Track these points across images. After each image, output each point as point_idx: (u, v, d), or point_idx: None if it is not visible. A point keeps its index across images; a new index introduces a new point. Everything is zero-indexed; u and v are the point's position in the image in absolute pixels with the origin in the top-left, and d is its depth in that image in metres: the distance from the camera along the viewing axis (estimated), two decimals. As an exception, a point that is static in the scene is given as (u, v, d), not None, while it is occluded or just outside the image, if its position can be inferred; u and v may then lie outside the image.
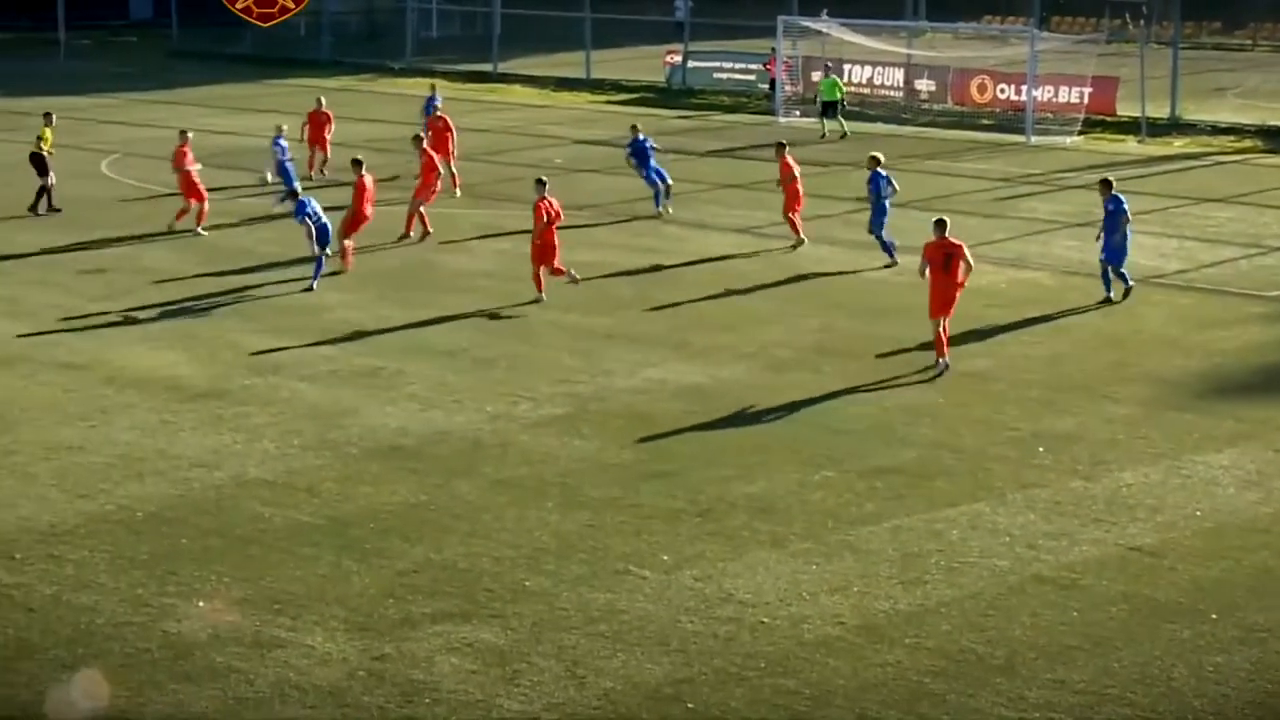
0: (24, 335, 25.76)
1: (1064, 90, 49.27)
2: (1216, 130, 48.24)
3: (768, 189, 35.47)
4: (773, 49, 52.80)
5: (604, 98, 56.25)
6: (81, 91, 55.80)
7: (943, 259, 24.12)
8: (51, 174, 35.44)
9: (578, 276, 28.05)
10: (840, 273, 30.36)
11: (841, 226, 33.94)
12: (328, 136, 39.52)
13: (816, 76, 52.03)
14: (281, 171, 35.80)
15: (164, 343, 25.38)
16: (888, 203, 30.56)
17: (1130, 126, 48.03)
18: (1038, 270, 30.65)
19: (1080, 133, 47.34)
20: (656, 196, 35.40)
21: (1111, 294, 28.05)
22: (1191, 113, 49.57)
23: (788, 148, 33.13)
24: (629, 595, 16.30)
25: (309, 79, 59.34)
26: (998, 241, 33.16)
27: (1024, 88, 48.93)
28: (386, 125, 48.27)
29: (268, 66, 63.15)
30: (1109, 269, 28.07)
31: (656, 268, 30.75)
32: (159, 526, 18.03)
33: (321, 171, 39.00)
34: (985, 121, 50.04)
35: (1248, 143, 46.63)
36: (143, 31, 75.13)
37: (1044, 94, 48.92)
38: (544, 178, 28.50)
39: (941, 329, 24.11)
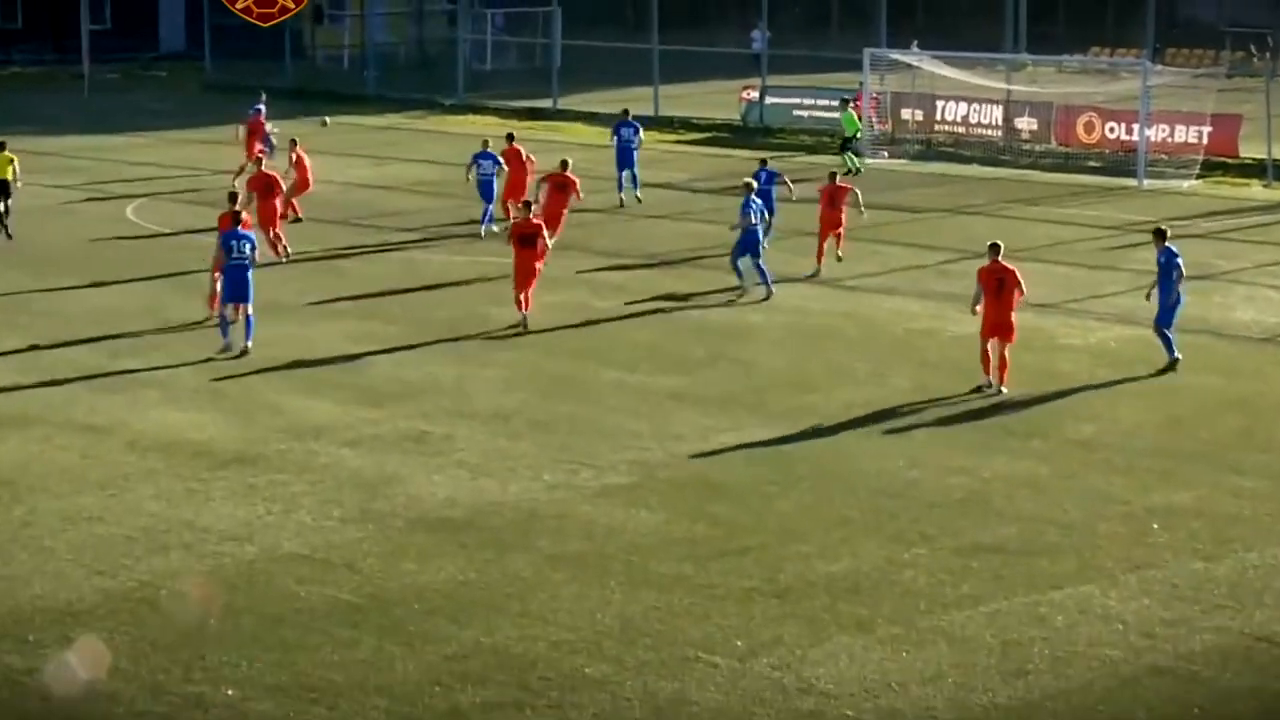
0: (41, 391, 25.92)
1: (1180, 129, 49.04)
2: (1351, 173, 47.86)
3: (853, 236, 35.50)
4: (860, 84, 52.78)
5: (673, 137, 56.35)
6: (107, 129, 56.36)
7: (995, 284, 26.14)
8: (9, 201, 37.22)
9: (527, 326, 29.43)
10: (933, 329, 30.24)
11: (935, 278, 33.86)
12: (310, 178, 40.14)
13: (914, 114, 52.13)
14: (481, 188, 37.86)
15: (192, 402, 25.49)
16: (759, 230, 32.24)
17: (1255, 169, 47.70)
18: (1149, 327, 30.37)
19: (1198, 176, 47.04)
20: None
21: (1176, 354, 27.51)
22: (1323, 154, 49.19)
23: (838, 176, 35.81)
24: (699, 685, 16.19)
25: (353, 115, 59.77)
26: (1106, 295, 32.97)
27: (1135, 126, 48.70)
28: (436, 167, 48.55)
29: (308, 101, 63.50)
30: (1163, 331, 27.56)
31: (729, 321, 30.71)
32: (185, 605, 18.03)
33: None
34: (1093, 163, 49.87)
35: (1385, 187, 46.26)
36: (174, 64, 75.85)
37: (1158, 133, 48.68)
38: (530, 200, 31.92)
39: (994, 351, 25.95)
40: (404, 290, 33.00)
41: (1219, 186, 46.53)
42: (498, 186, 38.15)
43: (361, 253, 36.78)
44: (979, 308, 26.28)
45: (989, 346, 26.13)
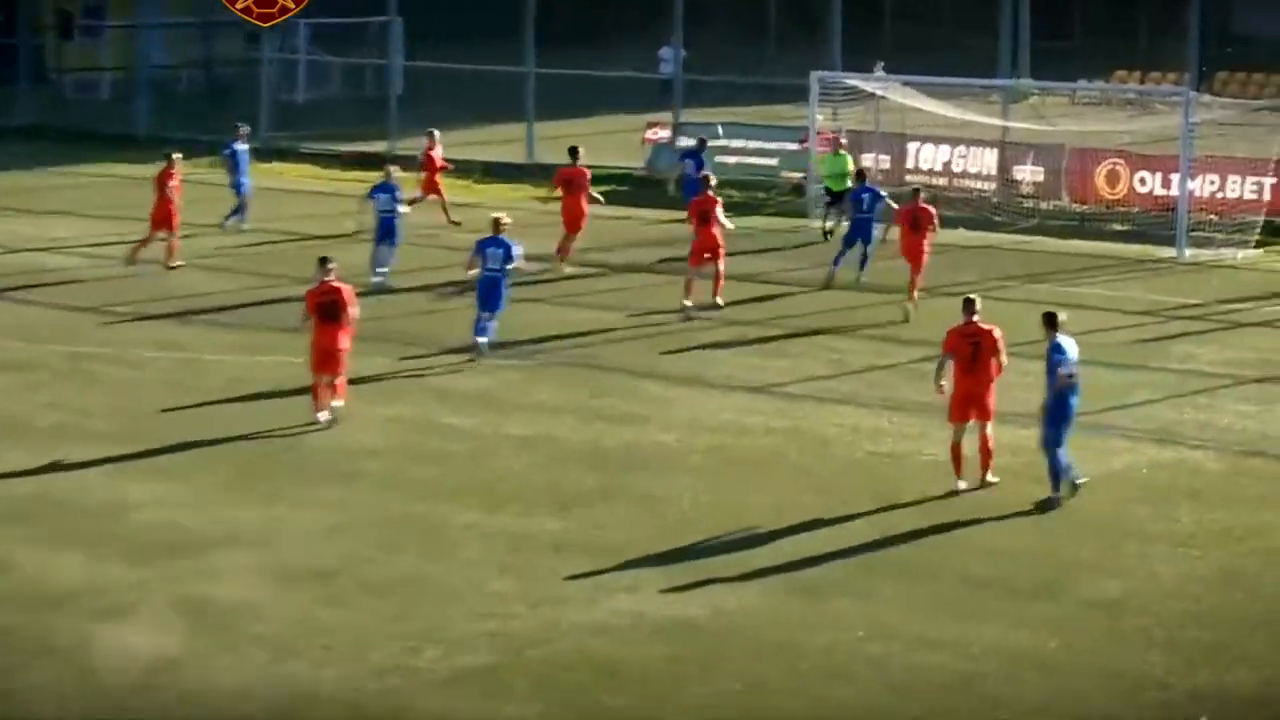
0: None
1: (1234, 181, 49.47)
2: None
3: (798, 328, 35.68)
4: (806, 120, 53.01)
5: (553, 192, 56.38)
6: None
7: (969, 350, 27.71)
8: None
9: (326, 420, 30.98)
10: (902, 451, 30.33)
11: (906, 381, 33.97)
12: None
13: (878, 159, 52.48)
14: (380, 228, 41.29)
15: (-113, 559, 25.27)
16: (503, 278, 35.63)
17: (1334, 234, 48.32)
18: (1195, 448, 30.64)
19: (1258, 244, 47.49)
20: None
21: (1059, 490, 27.47)
22: None
23: (920, 194, 40.72)
24: None
25: (116, 164, 59.42)
26: (1136, 405, 33.20)
27: (1174, 177, 49.16)
28: (237, 245, 48.44)
29: (55, 145, 63.44)
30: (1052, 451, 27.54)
31: (632, 443, 30.73)
32: None
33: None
34: (1117, 227, 50.25)
35: None
36: None
37: (1204, 187, 49.15)
38: (328, 256, 32.41)
39: (965, 437, 27.55)
40: (185, 404, 32.80)
41: (1286, 258, 47.08)
42: (400, 229, 41.49)
43: (123, 351, 36.58)
44: (944, 384, 27.74)
45: (961, 435, 27.74)
